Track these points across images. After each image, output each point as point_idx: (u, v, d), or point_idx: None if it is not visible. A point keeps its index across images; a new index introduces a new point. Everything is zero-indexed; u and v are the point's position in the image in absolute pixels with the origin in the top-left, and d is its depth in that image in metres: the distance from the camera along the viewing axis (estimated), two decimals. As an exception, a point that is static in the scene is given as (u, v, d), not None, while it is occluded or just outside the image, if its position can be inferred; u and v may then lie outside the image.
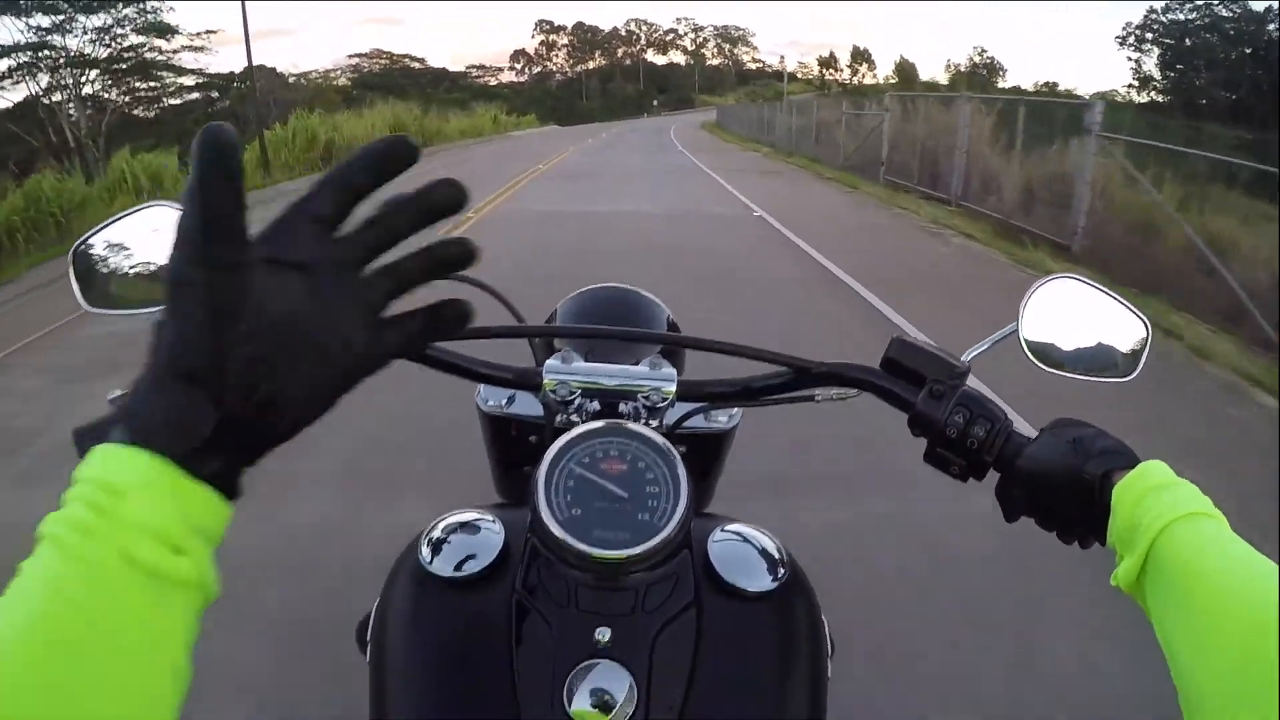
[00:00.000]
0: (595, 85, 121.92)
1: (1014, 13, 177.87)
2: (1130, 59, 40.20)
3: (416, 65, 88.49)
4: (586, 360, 0.90)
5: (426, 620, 0.74)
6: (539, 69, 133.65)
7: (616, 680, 0.66)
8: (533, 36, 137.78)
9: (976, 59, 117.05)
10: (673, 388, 0.86)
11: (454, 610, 0.74)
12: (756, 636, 0.74)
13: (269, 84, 61.37)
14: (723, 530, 0.79)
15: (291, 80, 62.38)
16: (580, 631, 0.68)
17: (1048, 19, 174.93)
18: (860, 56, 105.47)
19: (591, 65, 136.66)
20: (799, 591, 0.78)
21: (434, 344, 0.78)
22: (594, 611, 0.69)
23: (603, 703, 0.65)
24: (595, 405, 0.87)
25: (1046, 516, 0.69)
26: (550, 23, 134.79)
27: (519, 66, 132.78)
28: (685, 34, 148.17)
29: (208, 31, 42.08)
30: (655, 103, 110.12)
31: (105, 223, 0.79)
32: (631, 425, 0.74)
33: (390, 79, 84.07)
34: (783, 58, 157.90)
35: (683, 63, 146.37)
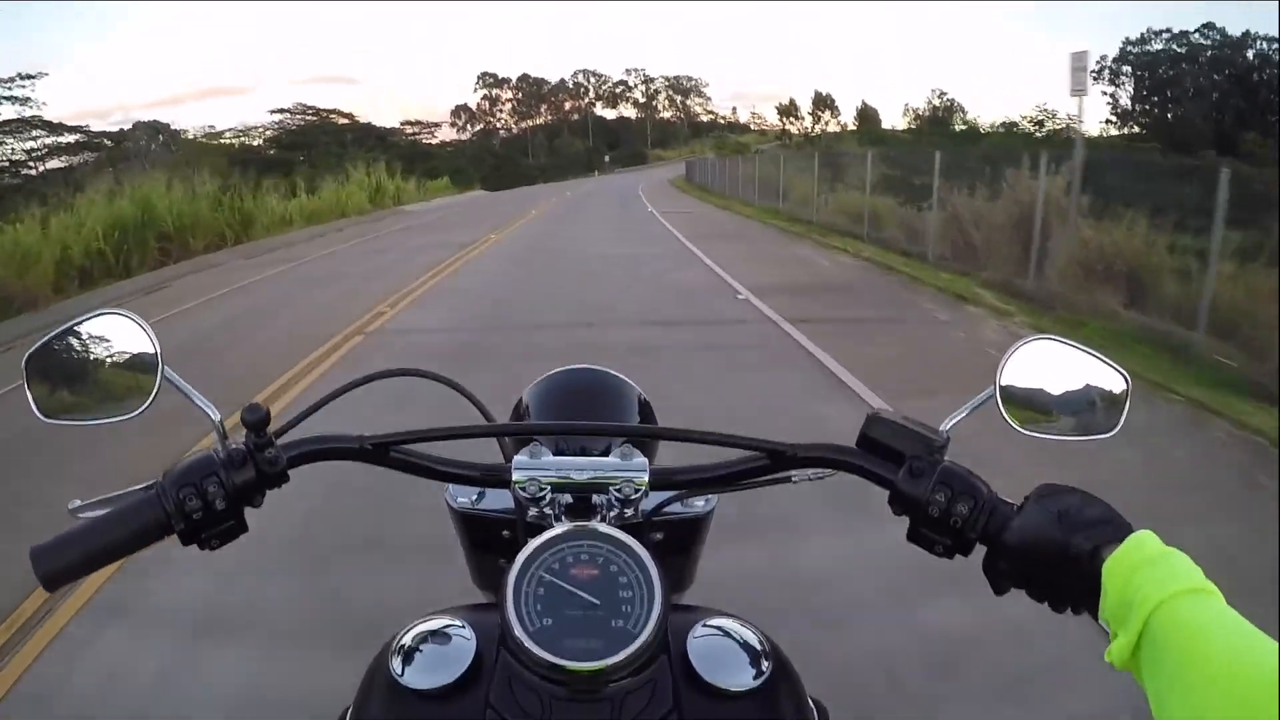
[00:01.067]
0: (541, 142, 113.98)
1: (965, 50, 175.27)
2: (1105, 93, 40.98)
3: (343, 120, 78.73)
4: (557, 452, 0.90)
5: None
6: (481, 125, 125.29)
7: None
8: (475, 90, 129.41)
9: (935, 101, 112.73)
10: (645, 478, 0.85)
11: None
12: None
13: (147, 142, 53.74)
14: (703, 626, 0.77)
15: (189, 138, 55.62)
16: None
17: (999, 54, 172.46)
18: (823, 103, 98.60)
19: (538, 121, 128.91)
20: (784, 683, 0.76)
21: (400, 447, 0.83)
22: None
23: None
24: (568, 499, 0.87)
25: (1036, 589, 0.69)
26: (494, 75, 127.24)
27: (460, 122, 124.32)
28: (635, 85, 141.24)
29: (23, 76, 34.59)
30: (606, 159, 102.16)
31: (56, 330, 0.81)
32: (600, 527, 0.74)
33: (310, 136, 74.86)
34: (734, 109, 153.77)
35: (633, 116, 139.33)
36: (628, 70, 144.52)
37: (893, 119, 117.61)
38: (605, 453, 0.92)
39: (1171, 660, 0.52)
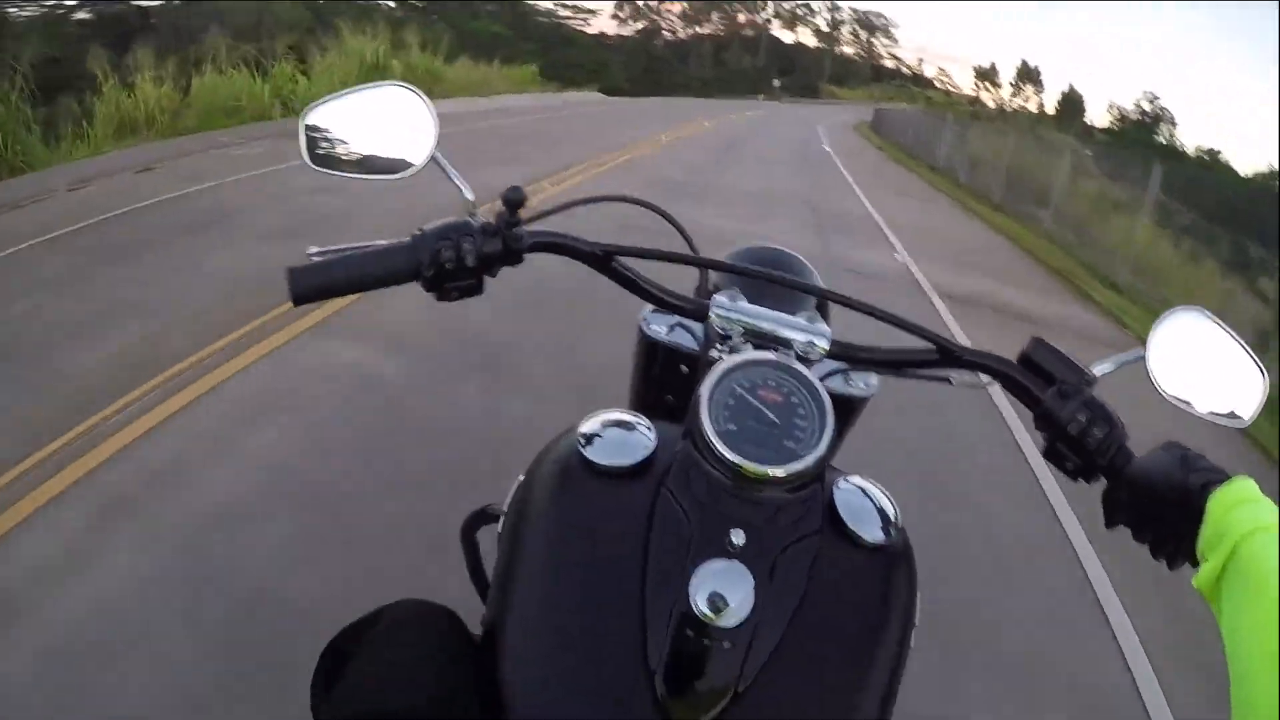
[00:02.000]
0: (708, 52, 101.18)
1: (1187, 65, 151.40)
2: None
3: None
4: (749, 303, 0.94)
5: (572, 498, 0.79)
6: (644, 23, 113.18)
7: (740, 583, 0.71)
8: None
9: (1147, 106, 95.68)
10: (826, 344, 0.91)
11: (600, 494, 0.79)
12: (863, 585, 0.78)
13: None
14: (847, 480, 0.83)
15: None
16: (717, 531, 0.73)
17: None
18: (1028, 76, 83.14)
19: (705, 30, 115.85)
20: (904, 556, 0.82)
21: (623, 259, 0.91)
22: (733, 515, 0.74)
23: (721, 600, 0.70)
24: (750, 347, 0.91)
25: (1143, 526, 0.74)
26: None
27: (623, 15, 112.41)
28: (819, 11, 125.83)
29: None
30: (776, 83, 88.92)
31: (342, 92, 0.88)
32: (793, 363, 0.82)
33: None
34: (920, 60, 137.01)
35: (811, 45, 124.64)
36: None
37: (1095, 113, 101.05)
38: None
39: (1249, 588, 0.57)
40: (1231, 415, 0.84)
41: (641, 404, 1.21)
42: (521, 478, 0.86)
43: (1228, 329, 0.85)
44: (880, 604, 0.78)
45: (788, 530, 0.75)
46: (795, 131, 30.03)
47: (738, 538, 0.73)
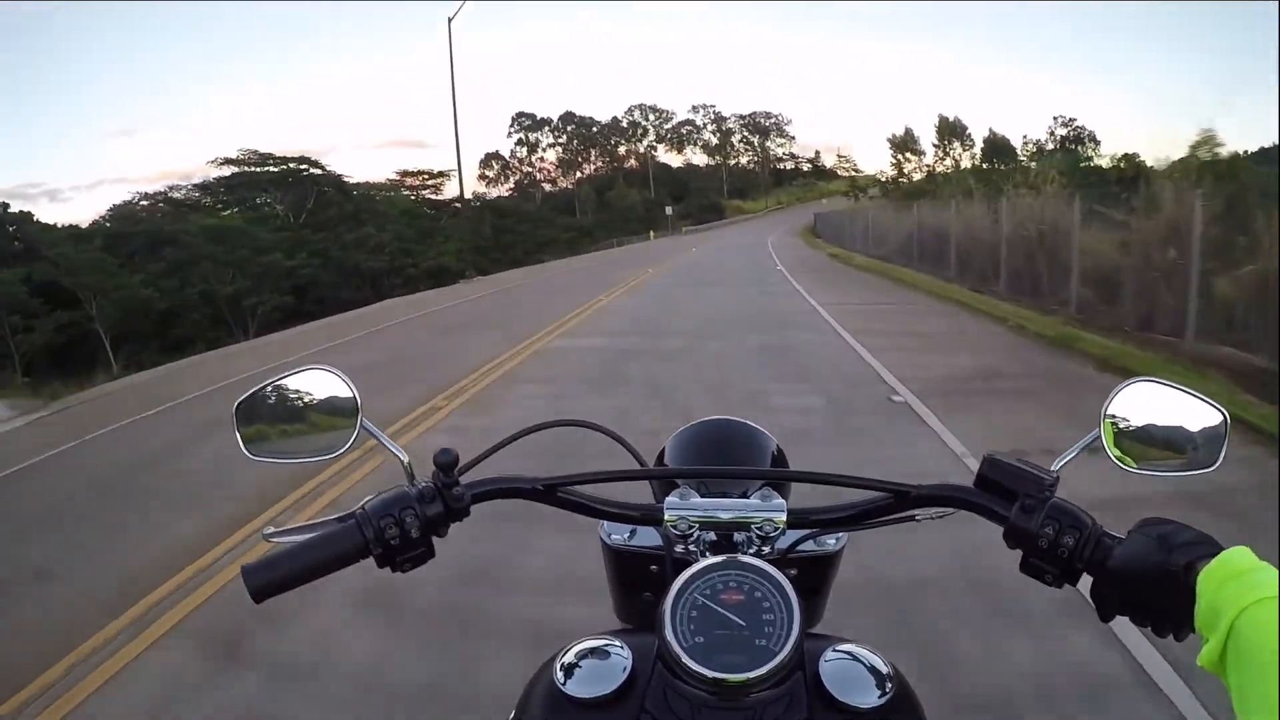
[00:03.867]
0: (589, 194, 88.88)
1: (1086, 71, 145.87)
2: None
3: (289, 166, 54.22)
4: (701, 494, 0.98)
5: None
6: (516, 176, 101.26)
7: None
8: (509, 135, 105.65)
9: (1061, 131, 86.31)
10: (783, 518, 0.92)
11: None
12: None
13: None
14: (834, 650, 0.83)
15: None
16: None
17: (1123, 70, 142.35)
18: (951, 131, 71.58)
19: (588, 171, 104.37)
20: (906, 705, 0.81)
21: (567, 487, 0.94)
22: None
23: None
24: (712, 536, 0.95)
25: (1140, 612, 0.74)
26: (531, 116, 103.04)
27: (492, 173, 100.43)
28: (704, 125, 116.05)
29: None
30: (669, 210, 75.34)
31: (266, 382, 0.93)
32: (746, 559, 0.82)
33: (240, 189, 52.07)
34: (817, 153, 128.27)
35: (703, 164, 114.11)
36: (693, 108, 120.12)
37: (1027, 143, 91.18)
38: (744, 496, 0.99)
39: (1253, 661, 0.56)
40: (1200, 463, 0.85)
41: (623, 610, 1.19)
42: (512, 717, 0.87)
43: (1176, 385, 0.86)
44: None
45: None
46: (717, 293, 18.35)
47: None
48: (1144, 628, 0.74)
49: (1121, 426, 0.86)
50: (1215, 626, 0.60)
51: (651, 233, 67.45)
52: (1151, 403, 0.86)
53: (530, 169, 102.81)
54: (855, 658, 0.83)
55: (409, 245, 52.30)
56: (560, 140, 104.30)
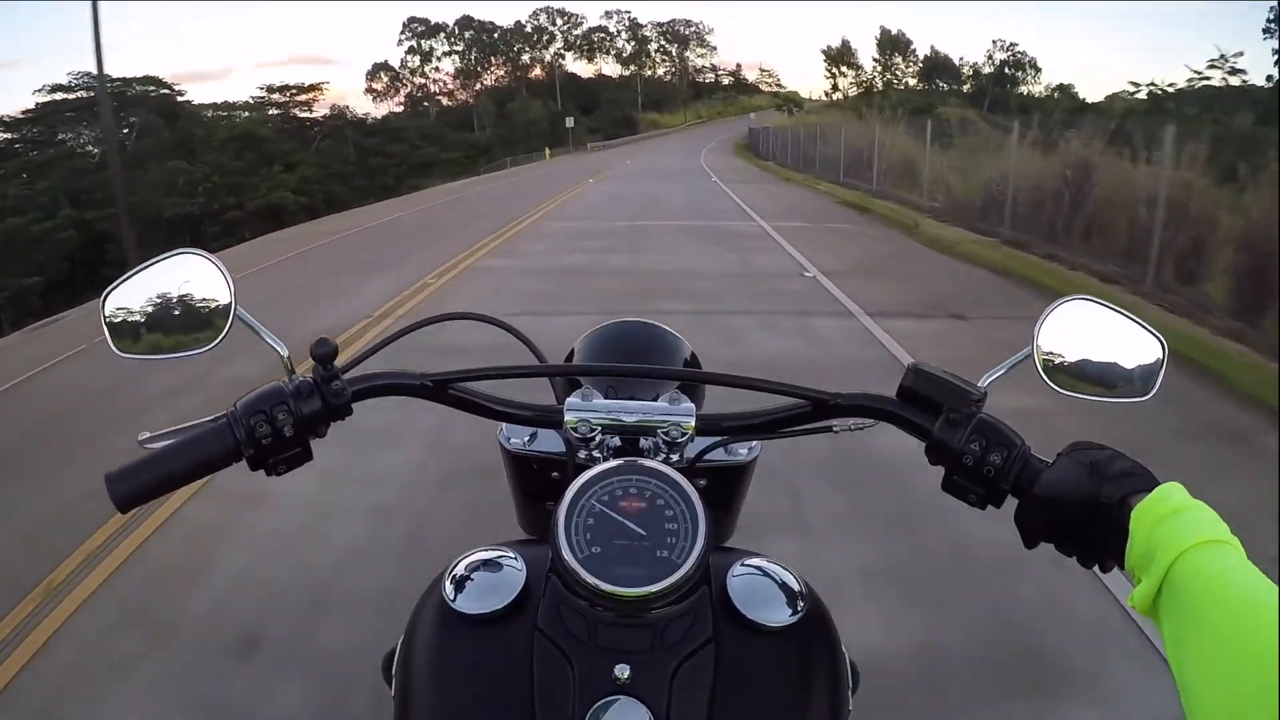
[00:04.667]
0: (488, 108, 79.82)
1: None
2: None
3: (127, 91, 45.14)
4: (606, 397, 0.93)
5: (450, 657, 0.76)
6: (408, 89, 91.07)
7: (636, 717, 0.68)
8: (400, 43, 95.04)
9: (1001, 56, 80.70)
10: (692, 423, 0.88)
11: (476, 647, 0.75)
12: (775, 671, 0.74)
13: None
14: (742, 565, 0.79)
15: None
16: (600, 668, 0.70)
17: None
18: (893, 45, 64.73)
19: (490, 83, 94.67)
20: (819, 625, 0.79)
21: (458, 385, 0.87)
22: (613, 648, 0.70)
23: None
24: (616, 441, 0.91)
25: (1065, 541, 0.71)
26: (425, 21, 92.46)
27: (380, 87, 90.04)
28: (618, 32, 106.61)
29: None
30: (570, 124, 66.49)
31: (134, 270, 0.86)
32: (649, 463, 0.76)
33: (46, 121, 43.01)
34: (739, 65, 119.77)
35: (615, 75, 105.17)
36: (606, 14, 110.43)
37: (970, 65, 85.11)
38: (654, 400, 0.95)
39: (1188, 608, 0.54)
40: (1135, 391, 0.83)
41: (525, 520, 1.17)
42: (402, 636, 0.82)
43: (1116, 308, 0.83)
44: (802, 684, 0.75)
45: (678, 646, 0.71)
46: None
47: (624, 672, 0.69)
48: (1069, 557, 0.72)
49: (1053, 346, 0.81)
50: (1149, 569, 0.58)
51: (548, 150, 58.25)
52: (1087, 323, 0.83)
53: (424, 80, 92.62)
54: (765, 573, 0.79)
55: (235, 180, 42.69)
56: (457, 49, 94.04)
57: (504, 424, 1.02)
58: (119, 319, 0.85)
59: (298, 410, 0.79)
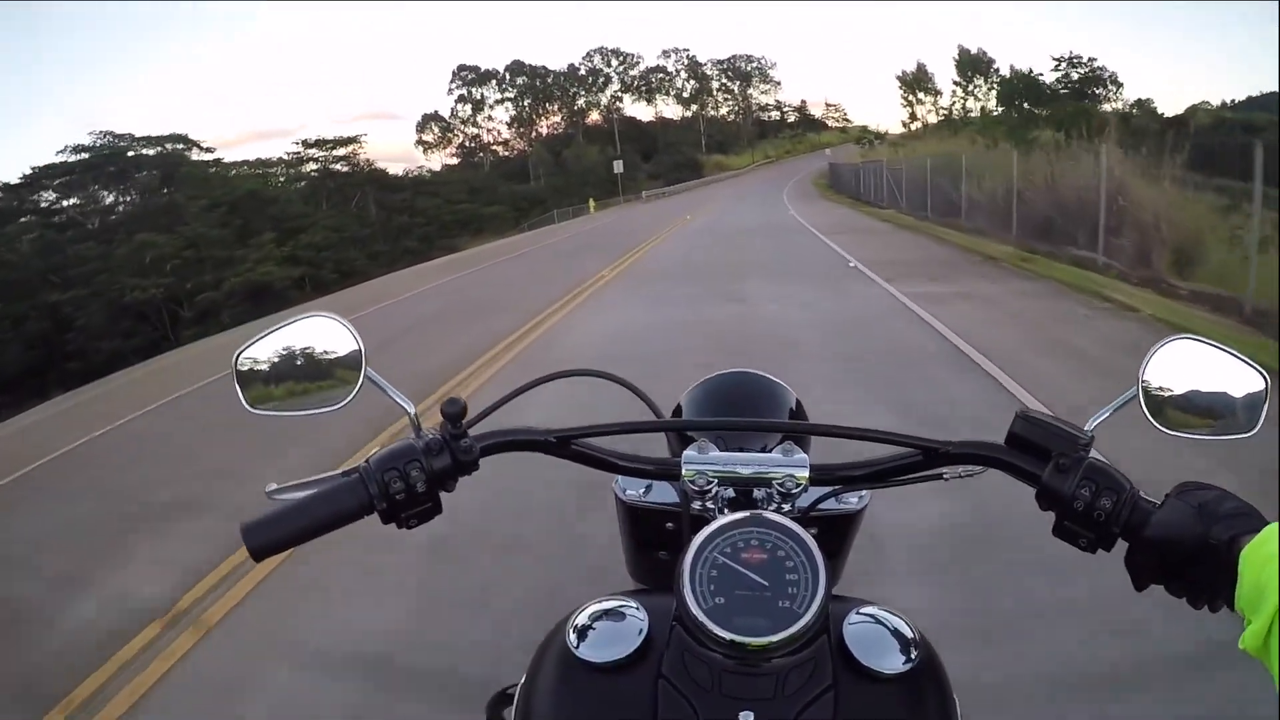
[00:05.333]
0: (543, 156, 74.87)
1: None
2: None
3: (141, 153, 40.65)
4: (720, 448, 0.95)
5: (572, 704, 0.77)
6: (460, 140, 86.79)
7: None
8: (449, 92, 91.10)
9: (1074, 74, 72.98)
10: (806, 474, 0.89)
11: (600, 695, 0.76)
12: (892, 718, 0.75)
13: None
14: (857, 613, 0.80)
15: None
16: (725, 715, 0.71)
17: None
18: (973, 65, 57.87)
19: (544, 130, 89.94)
20: (932, 672, 0.79)
21: (581, 440, 0.89)
22: (737, 696, 0.71)
23: None
24: (730, 493, 0.93)
25: (1175, 583, 0.71)
26: (475, 69, 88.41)
27: (431, 139, 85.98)
28: (677, 72, 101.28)
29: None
30: (618, 168, 59.01)
31: (266, 331, 0.88)
32: (770, 515, 0.78)
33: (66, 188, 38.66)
34: (803, 101, 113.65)
35: (677, 117, 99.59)
36: (664, 53, 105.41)
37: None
38: (764, 450, 0.96)
39: None
40: (1239, 427, 0.82)
41: (637, 569, 1.18)
42: (521, 681, 0.84)
43: (1218, 345, 0.83)
44: None
45: (800, 694, 0.72)
46: None
47: (746, 719, 0.70)
48: (1178, 598, 0.71)
49: (1158, 386, 0.82)
50: (1259, 609, 0.57)
51: (592, 203, 50.08)
52: (1190, 361, 0.83)
53: (477, 130, 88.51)
54: (879, 621, 0.79)
55: (214, 253, 36.41)
56: (509, 95, 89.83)
57: (620, 476, 1.00)
58: (249, 375, 0.87)
59: (429, 466, 0.82)
